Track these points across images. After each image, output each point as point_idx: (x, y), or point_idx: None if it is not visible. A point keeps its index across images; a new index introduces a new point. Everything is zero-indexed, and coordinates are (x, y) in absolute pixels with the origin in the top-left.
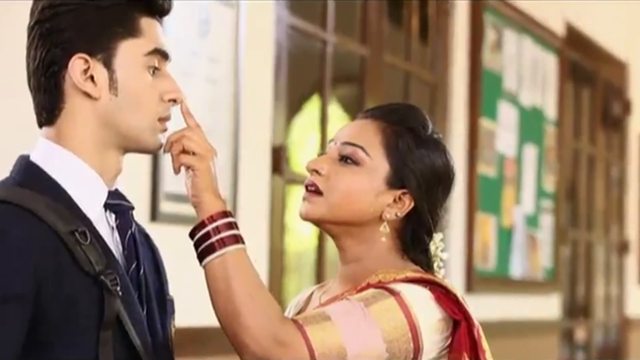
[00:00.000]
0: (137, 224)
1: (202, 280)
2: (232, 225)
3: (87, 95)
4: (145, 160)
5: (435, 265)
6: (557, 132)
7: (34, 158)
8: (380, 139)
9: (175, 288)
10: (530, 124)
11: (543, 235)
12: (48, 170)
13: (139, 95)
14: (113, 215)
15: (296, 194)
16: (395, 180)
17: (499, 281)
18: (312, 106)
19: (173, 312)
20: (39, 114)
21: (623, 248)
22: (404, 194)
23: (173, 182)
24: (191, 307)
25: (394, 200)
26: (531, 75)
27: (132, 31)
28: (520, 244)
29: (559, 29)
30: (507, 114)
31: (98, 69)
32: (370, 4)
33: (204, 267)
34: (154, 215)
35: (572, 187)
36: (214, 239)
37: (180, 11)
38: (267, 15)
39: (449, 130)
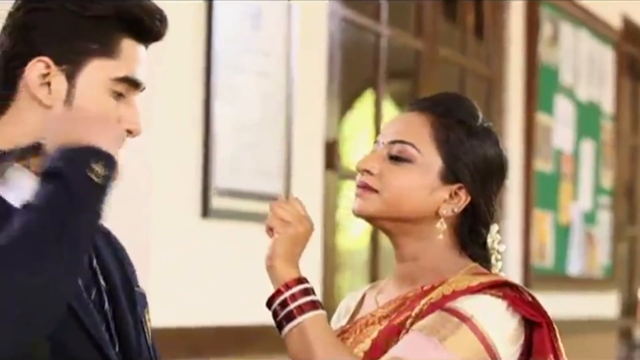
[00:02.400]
0: None
1: (251, 278)
2: (309, 292)
3: (38, 101)
4: (196, 154)
5: (493, 258)
6: (615, 127)
7: None
8: (429, 133)
9: (224, 285)
10: (587, 118)
11: (601, 232)
12: None
13: None
14: None
15: (349, 190)
16: (449, 175)
17: (557, 279)
18: (366, 101)
19: (146, 304)
20: None
21: None
22: (459, 188)
23: (225, 177)
24: (241, 304)
25: (450, 196)
26: (588, 70)
27: (108, 51)
28: (578, 241)
29: (616, 22)
30: (563, 108)
31: (58, 79)
32: None
33: (284, 335)
34: (205, 211)
35: (630, 183)
36: (292, 307)
37: (232, 4)
38: (320, 8)
39: (505, 126)
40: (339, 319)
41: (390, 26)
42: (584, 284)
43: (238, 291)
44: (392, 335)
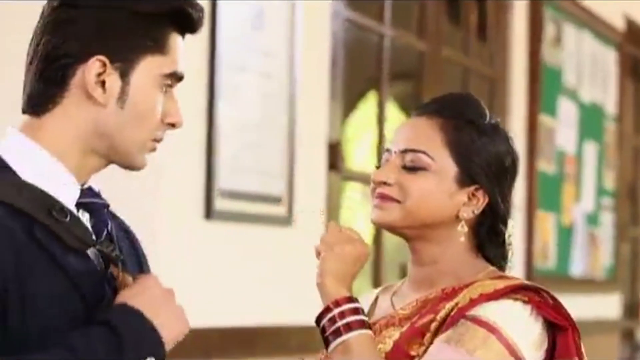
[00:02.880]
0: (117, 220)
1: (254, 279)
2: (358, 311)
3: (92, 99)
4: (199, 156)
5: (509, 254)
6: (618, 128)
7: (1, 151)
8: (440, 138)
9: (227, 287)
10: (590, 120)
11: (603, 233)
12: (16, 168)
13: (145, 114)
14: (87, 214)
15: (352, 191)
16: (465, 178)
17: (559, 280)
18: (369, 102)
19: None
20: (27, 100)
21: None
22: (476, 189)
23: (228, 178)
24: (243, 306)
25: (468, 198)
26: (591, 71)
27: (161, 47)
28: (580, 242)
29: (619, 23)
30: (566, 110)
31: (112, 77)
32: None
33: (330, 351)
34: (209, 213)
35: (633, 184)
36: (339, 324)
37: (235, 4)
38: (323, 9)
39: (508, 127)
40: None
41: (394, 27)
42: (586, 285)
43: (241, 293)
44: (414, 336)
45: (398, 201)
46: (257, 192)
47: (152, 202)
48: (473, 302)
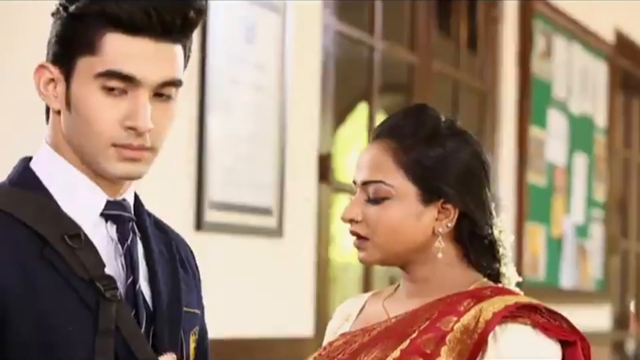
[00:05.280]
0: (159, 234)
1: (244, 291)
2: None
3: (50, 106)
4: (190, 167)
5: (500, 252)
6: (607, 140)
7: (32, 163)
8: (392, 161)
9: (218, 299)
10: (580, 132)
11: (593, 245)
12: (44, 179)
13: (88, 117)
14: (114, 227)
15: (342, 203)
16: (429, 195)
17: (549, 292)
18: (359, 115)
19: (194, 325)
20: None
21: None
22: (444, 202)
23: (219, 190)
24: (234, 317)
25: (438, 212)
26: (581, 83)
27: (89, 48)
28: (570, 254)
29: (609, 36)
30: (556, 122)
31: (60, 82)
32: (418, 11)
33: None
34: (199, 224)
35: (623, 196)
36: None
37: (226, 17)
38: (314, 22)
39: (498, 139)
40: (341, 324)
41: (384, 40)
42: (576, 297)
43: (231, 304)
44: (413, 354)
45: (367, 238)
46: (247, 204)
47: None
48: (489, 324)
